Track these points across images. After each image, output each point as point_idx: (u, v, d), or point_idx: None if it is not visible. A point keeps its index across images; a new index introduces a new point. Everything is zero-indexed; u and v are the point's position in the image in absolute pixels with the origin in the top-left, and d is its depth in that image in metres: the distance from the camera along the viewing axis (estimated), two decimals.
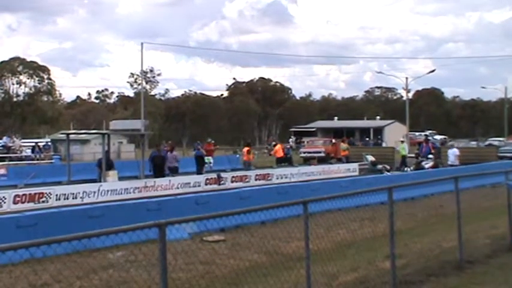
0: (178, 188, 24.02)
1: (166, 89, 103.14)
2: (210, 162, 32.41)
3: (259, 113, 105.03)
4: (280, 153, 37.62)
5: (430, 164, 31.24)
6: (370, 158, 36.19)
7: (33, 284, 7.68)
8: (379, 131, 75.30)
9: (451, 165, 29.63)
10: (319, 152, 45.54)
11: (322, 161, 42.65)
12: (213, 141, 51.93)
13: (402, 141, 38.64)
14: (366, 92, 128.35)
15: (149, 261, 8.14)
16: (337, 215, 9.16)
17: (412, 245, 10.44)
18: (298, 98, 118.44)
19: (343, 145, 42.29)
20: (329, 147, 46.92)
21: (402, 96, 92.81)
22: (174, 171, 26.37)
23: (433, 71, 68.02)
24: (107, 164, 23.05)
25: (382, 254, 8.62)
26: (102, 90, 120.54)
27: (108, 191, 21.37)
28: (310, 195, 8.46)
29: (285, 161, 37.45)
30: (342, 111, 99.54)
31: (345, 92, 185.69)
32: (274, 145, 43.05)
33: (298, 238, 7.79)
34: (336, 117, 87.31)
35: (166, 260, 5.10)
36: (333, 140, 49.80)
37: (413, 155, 34.92)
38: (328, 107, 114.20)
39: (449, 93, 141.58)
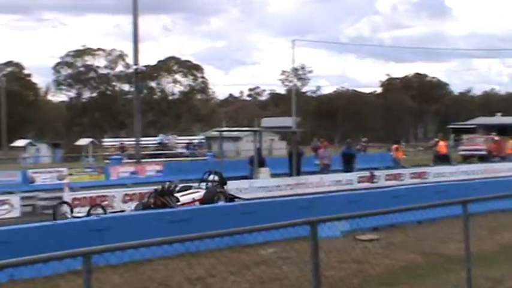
0: (329, 185, 23.92)
1: (318, 86, 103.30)
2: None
3: (415, 110, 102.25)
4: (444, 150, 36.44)
5: None
6: None
7: (189, 278, 7.89)
8: None
9: None
10: (480, 150, 43.38)
11: (483, 159, 40.66)
12: (365, 139, 51.11)
13: None
14: None
15: (301, 259, 8.07)
16: (501, 217, 8.63)
17: None
18: (456, 93, 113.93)
19: None
20: (491, 145, 44.57)
21: None
22: (325, 169, 26.31)
23: None
24: (258, 161, 23.42)
25: None
26: (254, 88, 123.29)
27: (259, 187, 21.71)
28: (471, 194, 7.95)
29: (444, 159, 36.10)
30: (506, 107, 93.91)
31: (509, 86, 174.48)
32: (437, 142, 41.45)
33: (458, 239, 7.37)
34: (499, 113, 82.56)
35: (319, 258, 5.02)
36: (496, 138, 47.13)
37: None
38: (490, 102, 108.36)
39: None
